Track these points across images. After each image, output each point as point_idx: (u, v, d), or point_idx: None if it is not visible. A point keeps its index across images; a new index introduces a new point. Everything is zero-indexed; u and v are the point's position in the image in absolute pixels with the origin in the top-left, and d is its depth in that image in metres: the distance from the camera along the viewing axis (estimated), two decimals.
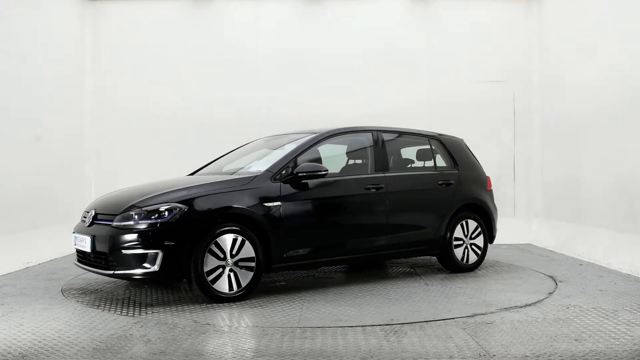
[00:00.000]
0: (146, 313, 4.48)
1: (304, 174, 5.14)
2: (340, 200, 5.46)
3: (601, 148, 7.10)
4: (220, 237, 4.72)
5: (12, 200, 6.80)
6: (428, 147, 6.35)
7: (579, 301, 4.79)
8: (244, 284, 4.81)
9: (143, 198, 4.80)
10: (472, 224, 6.24)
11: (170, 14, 9.09)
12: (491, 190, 6.67)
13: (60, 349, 3.58)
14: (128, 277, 4.72)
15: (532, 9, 9.09)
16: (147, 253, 4.54)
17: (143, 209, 4.66)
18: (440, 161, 6.38)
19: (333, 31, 9.12)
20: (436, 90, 9.03)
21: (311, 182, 5.26)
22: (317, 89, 8.96)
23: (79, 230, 5.11)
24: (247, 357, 3.43)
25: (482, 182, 6.54)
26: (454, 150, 6.43)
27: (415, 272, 6.25)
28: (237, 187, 4.94)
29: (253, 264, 4.84)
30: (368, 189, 5.57)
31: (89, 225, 4.97)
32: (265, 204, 4.95)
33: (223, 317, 4.36)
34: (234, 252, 4.77)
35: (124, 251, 4.57)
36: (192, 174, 6.11)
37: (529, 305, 4.67)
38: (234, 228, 4.78)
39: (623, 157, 6.61)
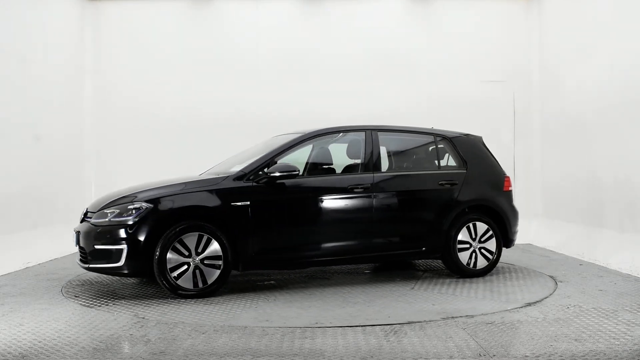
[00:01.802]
0: (146, 313, 4.48)
1: (276, 174, 5.16)
2: (317, 200, 5.40)
3: (601, 148, 7.10)
4: (185, 235, 4.89)
5: (12, 200, 6.80)
6: (433, 146, 6.13)
7: (579, 301, 4.79)
8: (209, 281, 4.95)
9: (118, 197, 5.14)
10: (482, 227, 5.92)
11: (171, 14, 9.09)
12: (509, 191, 6.25)
13: (60, 349, 3.58)
14: (99, 271, 5.05)
15: (532, 9, 9.10)
16: (113, 249, 4.84)
17: (116, 207, 4.99)
18: (450, 160, 6.12)
19: (333, 31, 9.12)
20: (436, 90, 9.02)
21: (289, 183, 5.26)
22: (318, 89, 8.95)
23: (75, 228, 5.39)
24: (247, 357, 3.43)
25: (496, 182, 6.19)
26: (464, 149, 6.13)
27: (420, 275, 6.09)
28: (205, 187, 5.10)
29: (219, 262, 4.95)
30: (351, 189, 5.47)
31: (81, 222, 5.30)
32: (233, 204, 5.05)
33: (222, 318, 4.37)
34: (199, 250, 4.92)
35: (96, 246, 4.94)
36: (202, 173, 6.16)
37: (529, 305, 4.67)
38: (199, 226, 4.93)
39: (623, 157, 6.61)
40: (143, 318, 4.33)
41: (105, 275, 5.97)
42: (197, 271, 4.92)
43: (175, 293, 4.89)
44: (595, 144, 7.24)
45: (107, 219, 4.93)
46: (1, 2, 6.79)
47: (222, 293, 5.12)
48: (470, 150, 6.18)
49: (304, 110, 8.71)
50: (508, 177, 6.32)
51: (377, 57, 9.03)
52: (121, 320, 4.27)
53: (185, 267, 4.90)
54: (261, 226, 5.13)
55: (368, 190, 5.50)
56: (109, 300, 4.95)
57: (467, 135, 6.33)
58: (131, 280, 5.78)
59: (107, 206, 5.06)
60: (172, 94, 9.00)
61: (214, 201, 5.02)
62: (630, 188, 6.44)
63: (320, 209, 5.43)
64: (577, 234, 7.58)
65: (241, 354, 3.48)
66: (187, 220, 4.93)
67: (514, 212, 6.24)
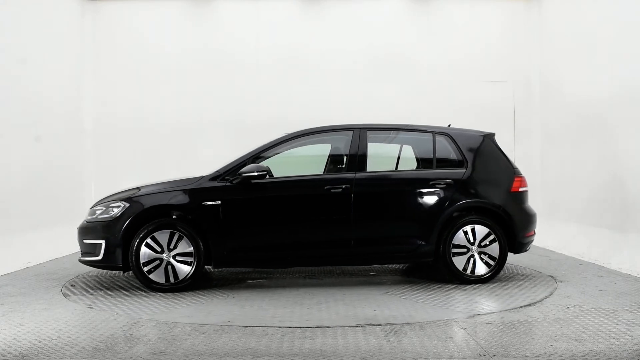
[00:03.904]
0: (146, 313, 4.48)
1: (246, 174, 5.27)
2: (290, 200, 5.39)
3: (601, 148, 7.10)
4: (157, 232, 5.19)
5: (12, 200, 6.81)
6: (430, 144, 5.75)
7: (579, 301, 4.79)
8: (181, 276, 5.21)
9: (108, 196, 5.57)
10: (482, 230, 5.49)
11: (170, 14, 9.10)
12: (519, 191, 5.74)
13: (60, 349, 3.58)
14: (86, 263, 5.39)
15: (532, 9, 9.10)
16: (94, 243, 5.27)
17: (103, 204, 5.40)
18: (450, 159, 5.71)
19: (334, 32, 9.13)
20: (436, 90, 9.04)
21: (264, 183, 5.32)
22: (318, 89, 8.97)
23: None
24: (247, 357, 3.43)
25: (503, 182, 5.70)
26: (467, 147, 5.72)
27: (416, 281, 5.78)
28: (180, 187, 5.35)
29: (191, 259, 5.20)
30: (328, 189, 5.36)
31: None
32: (204, 203, 5.24)
33: (224, 316, 4.37)
34: (171, 247, 5.20)
35: (84, 241, 5.37)
36: None
37: (529, 305, 4.67)
38: (171, 224, 5.21)
39: (623, 157, 6.61)
40: (143, 318, 4.33)
41: (105, 275, 6.03)
42: (170, 267, 5.19)
43: (149, 287, 5.20)
44: (595, 144, 7.25)
45: (95, 216, 5.34)
46: (1, 2, 6.79)
47: (197, 288, 5.31)
48: (474, 148, 5.76)
49: (304, 110, 8.72)
50: (520, 177, 5.81)
51: (377, 57, 9.04)
52: (121, 320, 4.27)
53: (158, 262, 5.18)
54: (233, 225, 5.26)
55: (347, 189, 5.37)
56: (109, 300, 4.95)
57: (482, 133, 5.95)
58: (132, 280, 5.78)
59: (97, 204, 5.48)
60: (171, 94, 9.02)
61: (184, 200, 5.27)
62: (630, 188, 6.44)
63: (293, 208, 5.41)
64: (577, 234, 7.57)
65: (241, 354, 3.48)
66: (160, 218, 5.23)
67: (525, 215, 5.73)
